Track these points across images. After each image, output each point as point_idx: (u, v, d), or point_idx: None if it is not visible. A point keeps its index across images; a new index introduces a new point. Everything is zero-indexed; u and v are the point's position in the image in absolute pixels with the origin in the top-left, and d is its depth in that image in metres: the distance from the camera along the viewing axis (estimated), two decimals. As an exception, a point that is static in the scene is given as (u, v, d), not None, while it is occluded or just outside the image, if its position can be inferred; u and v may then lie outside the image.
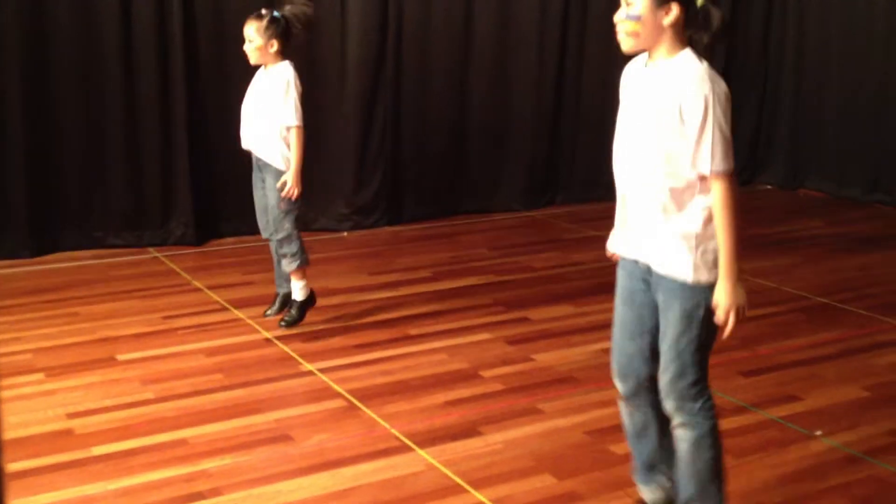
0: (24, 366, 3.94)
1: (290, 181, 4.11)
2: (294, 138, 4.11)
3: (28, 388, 3.72)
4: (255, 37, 4.08)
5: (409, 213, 6.68)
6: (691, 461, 2.45)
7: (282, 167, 4.14)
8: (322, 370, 3.95)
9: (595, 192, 6.98)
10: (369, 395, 3.70)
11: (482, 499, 2.94)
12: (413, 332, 4.45)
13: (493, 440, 3.33)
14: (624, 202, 2.46)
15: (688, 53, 2.25)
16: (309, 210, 6.37)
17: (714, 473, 2.46)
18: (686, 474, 2.47)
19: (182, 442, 3.29)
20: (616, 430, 3.41)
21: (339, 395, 3.71)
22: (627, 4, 2.24)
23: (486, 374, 3.94)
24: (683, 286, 2.32)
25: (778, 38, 7.99)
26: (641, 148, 2.32)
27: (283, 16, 4.10)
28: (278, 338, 4.30)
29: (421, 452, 3.23)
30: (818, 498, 2.98)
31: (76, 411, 3.51)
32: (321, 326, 4.48)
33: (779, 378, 3.95)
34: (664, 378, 2.41)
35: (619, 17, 2.27)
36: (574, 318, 4.65)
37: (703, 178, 2.27)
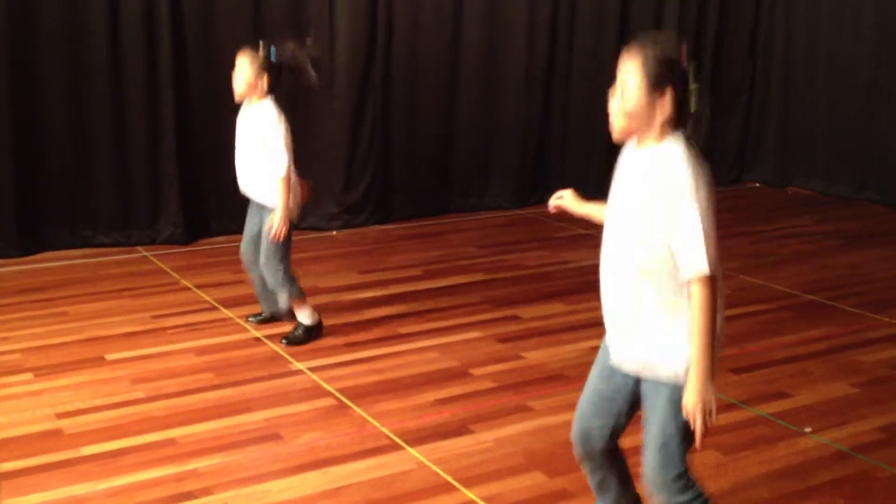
0: (12, 366, 3.92)
1: (276, 224, 3.95)
2: (279, 185, 3.95)
3: (17, 388, 3.70)
4: (247, 69, 3.96)
5: (399, 212, 6.68)
6: None
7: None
8: (312, 369, 3.95)
9: (584, 190, 6.95)
10: (359, 394, 3.69)
11: (473, 497, 2.94)
12: (403, 330, 4.44)
13: (484, 438, 3.33)
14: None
15: (675, 139, 2.16)
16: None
17: None
18: None
19: (172, 441, 3.28)
20: (606, 427, 3.41)
21: (329, 393, 3.71)
22: (622, 89, 2.17)
23: (477, 372, 3.94)
24: (671, 385, 2.22)
25: (766, 36, 8.02)
26: (627, 240, 2.22)
27: (279, 56, 3.98)
28: (268, 337, 4.29)
29: (411, 451, 3.23)
30: (807, 494, 2.99)
31: (65, 411, 3.49)
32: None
33: (768, 375, 3.96)
34: (648, 469, 2.29)
35: (611, 101, 2.21)
36: (564, 316, 4.66)
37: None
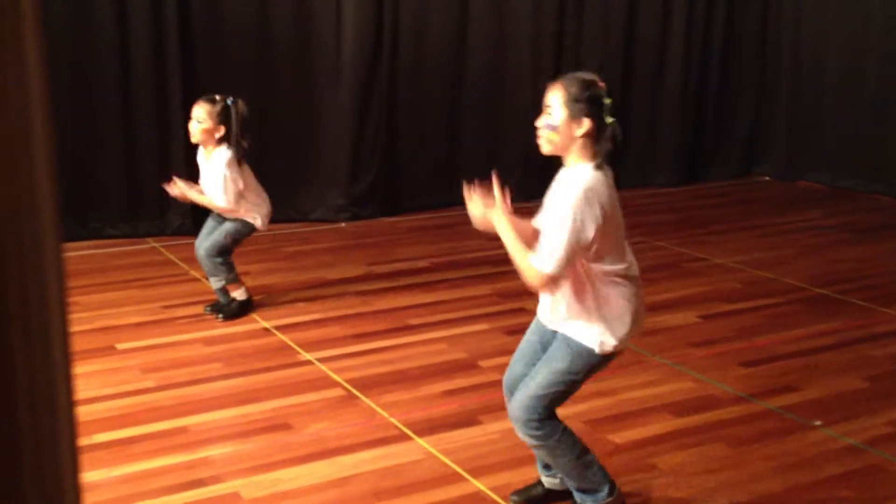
0: (22, 355, 3.94)
1: (187, 191, 4.29)
2: (217, 205, 4.28)
3: (27, 377, 3.71)
4: (204, 119, 4.17)
5: (406, 204, 6.68)
6: (557, 466, 2.72)
7: (244, 219, 4.33)
8: (321, 360, 3.96)
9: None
10: (368, 385, 3.70)
11: (481, 487, 2.94)
12: (412, 322, 4.45)
13: (492, 429, 3.34)
14: None
15: (588, 168, 2.51)
16: (306, 201, 6.37)
17: (579, 466, 2.68)
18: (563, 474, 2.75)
19: (182, 430, 3.29)
20: (614, 419, 3.43)
21: (337, 384, 3.72)
22: (548, 115, 2.54)
23: (485, 363, 3.95)
24: (572, 344, 2.59)
25: (775, 28, 7.99)
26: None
27: (234, 106, 4.18)
28: (277, 327, 4.30)
29: (420, 441, 3.24)
30: (817, 487, 2.99)
31: (77, 399, 3.50)
32: (319, 316, 4.48)
33: (777, 369, 3.96)
34: (514, 403, 2.66)
35: (539, 124, 2.58)
36: (573, 309, 4.65)
37: (588, 272, 2.53)
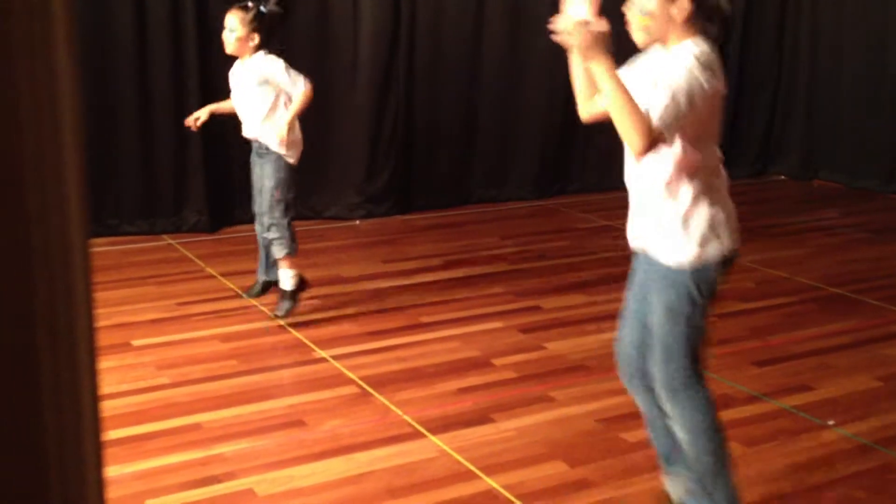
0: (40, 351, 3.98)
1: (282, 130, 4.11)
2: (299, 98, 4.13)
3: (45, 373, 3.75)
4: (237, 27, 4.07)
5: (421, 202, 6.69)
6: (692, 455, 2.47)
7: (280, 151, 4.18)
8: (335, 357, 3.98)
9: (607, 181, 6.99)
10: (382, 382, 3.72)
11: (494, 485, 2.95)
12: (425, 319, 4.46)
13: (506, 427, 3.35)
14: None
15: (692, 42, 2.24)
16: (321, 198, 6.40)
17: (717, 464, 2.45)
18: (691, 465, 2.49)
19: (197, 426, 3.32)
20: (628, 417, 3.43)
21: (352, 381, 3.74)
22: (637, 3, 2.26)
23: (499, 361, 3.96)
24: (667, 274, 2.35)
25: (793, 26, 7.95)
26: None
27: (268, 10, 4.11)
28: (292, 325, 4.32)
29: (433, 439, 3.25)
30: (830, 487, 2.99)
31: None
32: (334, 313, 4.50)
33: (791, 368, 3.95)
34: (659, 374, 2.44)
35: (631, 11, 2.29)
36: (586, 307, 4.66)
37: (687, 162, 2.26)
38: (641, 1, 2.25)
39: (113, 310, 4.50)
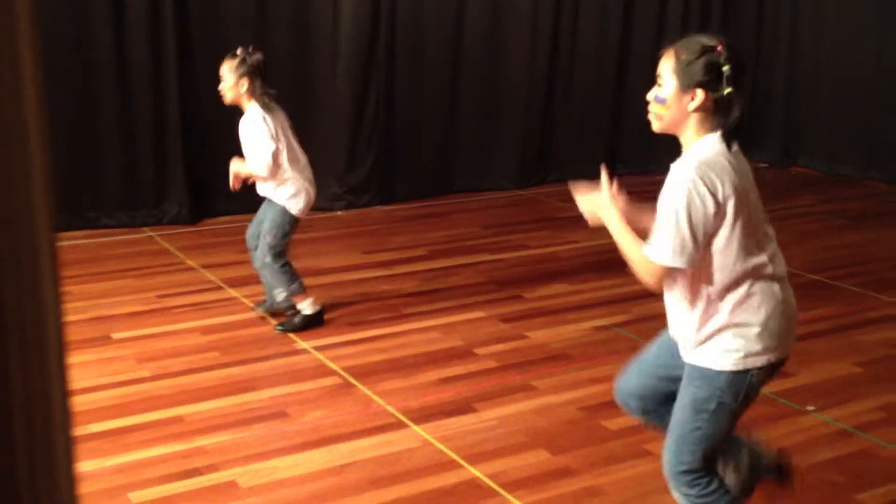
0: (19, 345, 3.94)
1: (241, 168, 4.05)
2: (254, 170, 4.01)
3: (24, 367, 3.72)
4: (227, 75, 4.01)
5: (402, 193, 6.68)
6: None
7: (279, 203, 4.07)
8: (317, 348, 3.97)
9: (586, 170, 6.99)
10: (364, 373, 3.72)
11: (477, 474, 2.96)
12: (407, 310, 4.46)
13: (488, 416, 3.36)
14: None
15: (710, 139, 2.18)
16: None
17: None
18: None
19: (178, 419, 3.31)
20: (609, 406, 3.44)
21: (334, 372, 3.73)
22: (659, 86, 2.22)
23: (480, 351, 3.96)
24: (703, 372, 2.22)
25: (772, 14, 7.98)
26: None
27: (251, 60, 3.99)
28: (273, 316, 4.31)
29: (416, 429, 3.26)
30: (809, 472, 3.02)
31: (72, 389, 3.51)
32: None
33: (771, 354, 3.98)
34: (664, 452, 2.35)
35: (650, 97, 2.26)
36: (567, 296, 4.67)
37: (708, 276, 2.17)
38: (662, 85, 2.21)
39: (92, 303, 4.47)
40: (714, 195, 2.09)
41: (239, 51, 4.02)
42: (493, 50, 6.87)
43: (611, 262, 5.20)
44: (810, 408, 3.47)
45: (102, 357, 3.84)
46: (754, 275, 2.18)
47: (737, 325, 2.16)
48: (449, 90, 6.79)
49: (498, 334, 4.16)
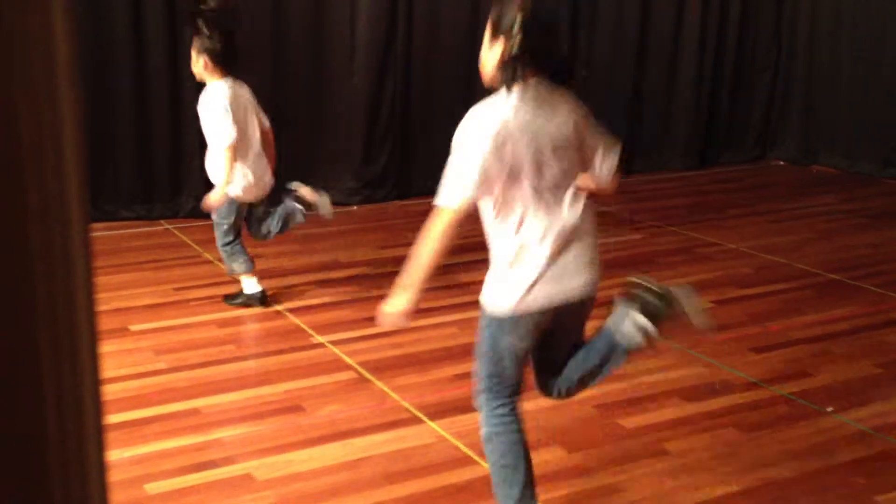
0: (37, 335, 3.96)
1: (212, 196, 4.09)
2: (224, 158, 4.02)
3: (41, 358, 3.74)
4: (193, 58, 4.07)
5: (418, 187, 6.66)
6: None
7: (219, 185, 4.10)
8: (333, 342, 3.97)
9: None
10: (380, 368, 3.71)
11: (492, 470, 2.95)
12: (423, 305, 4.41)
13: (504, 413, 3.34)
14: None
15: (501, 93, 2.32)
16: (318, 183, 6.35)
17: (497, 478, 2.49)
18: None
19: (195, 411, 3.31)
20: (626, 404, 3.43)
21: (349, 367, 3.73)
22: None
23: (497, 347, 3.94)
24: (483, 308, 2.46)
25: (792, 11, 7.91)
26: None
27: (203, 29, 3.98)
28: (289, 310, 4.31)
29: (431, 424, 3.25)
30: (828, 473, 2.99)
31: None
32: (331, 299, 4.49)
33: (790, 354, 3.94)
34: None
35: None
36: (584, 293, 4.64)
37: (495, 210, 2.38)
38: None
39: (111, 295, 4.48)
40: (482, 144, 2.27)
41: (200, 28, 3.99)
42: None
43: (626, 259, 5.18)
44: (830, 409, 3.43)
45: (121, 349, 3.85)
46: (524, 229, 2.35)
47: (500, 270, 2.41)
48: (466, 83, 6.76)
49: (514, 330, 4.14)
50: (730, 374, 3.73)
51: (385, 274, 4.91)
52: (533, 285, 2.33)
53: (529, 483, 2.46)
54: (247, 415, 3.30)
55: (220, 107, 3.99)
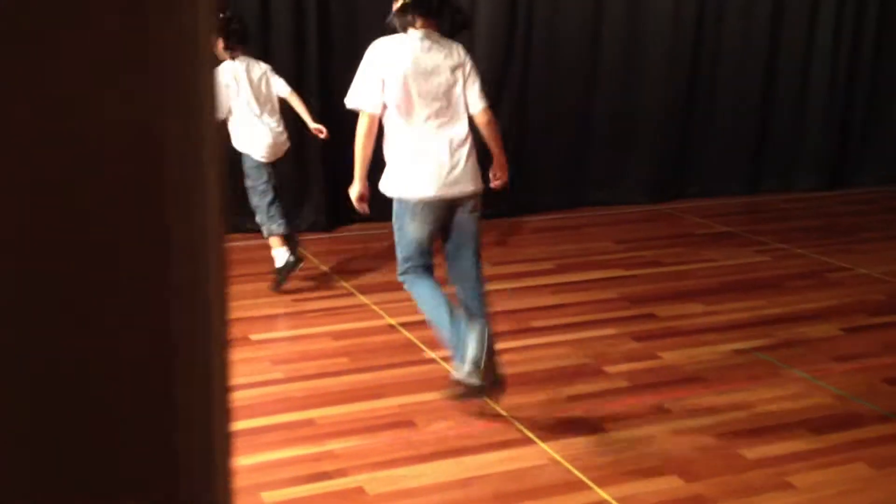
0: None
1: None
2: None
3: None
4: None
5: (533, 204, 6.62)
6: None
7: (241, 150, 4.65)
8: (445, 359, 3.97)
9: (729, 185, 6.76)
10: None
11: (605, 496, 2.88)
12: (536, 324, 4.41)
13: (618, 437, 3.26)
14: None
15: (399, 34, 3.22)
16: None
17: (433, 322, 3.34)
18: None
19: (309, 422, 3.37)
20: (749, 433, 3.29)
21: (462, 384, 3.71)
22: None
23: (611, 369, 3.87)
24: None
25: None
26: None
27: (225, 13, 4.53)
28: (403, 324, 4.35)
29: (543, 446, 3.20)
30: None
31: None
32: (445, 315, 4.50)
33: (927, 388, 3.71)
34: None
35: None
36: (703, 317, 4.51)
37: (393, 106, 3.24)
38: None
39: (234, 304, 4.61)
40: (373, 65, 3.22)
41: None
42: (631, 57, 6.73)
43: (750, 282, 4.99)
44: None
45: (241, 357, 3.96)
46: (404, 134, 3.28)
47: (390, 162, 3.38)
48: (583, 101, 6.70)
49: (629, 353, 4.05)
50: (861, 405, 3.53)
51: (496, 291, 4.89)
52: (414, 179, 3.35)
53: (454, 310, 3.30)
54: (359, 427, 3.33)
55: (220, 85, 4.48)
